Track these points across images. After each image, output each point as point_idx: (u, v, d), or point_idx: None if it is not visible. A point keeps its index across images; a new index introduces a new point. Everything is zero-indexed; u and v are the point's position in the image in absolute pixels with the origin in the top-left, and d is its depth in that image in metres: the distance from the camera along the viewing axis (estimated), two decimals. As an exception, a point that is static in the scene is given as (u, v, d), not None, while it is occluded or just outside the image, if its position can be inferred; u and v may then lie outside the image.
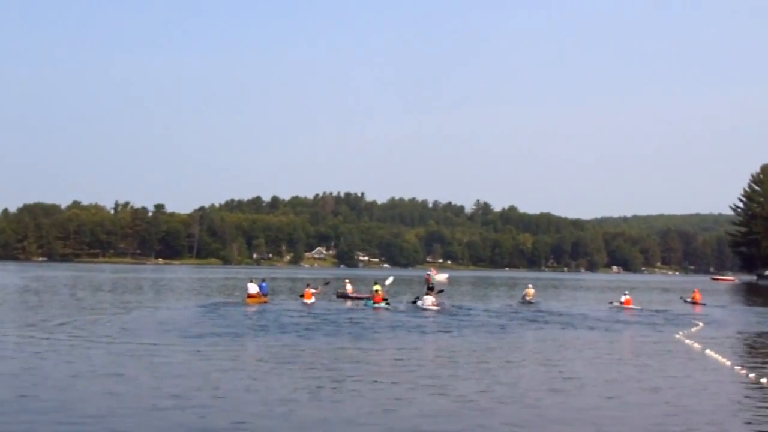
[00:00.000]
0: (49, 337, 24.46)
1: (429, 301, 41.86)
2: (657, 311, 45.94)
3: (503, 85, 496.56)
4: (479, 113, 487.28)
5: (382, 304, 42.06)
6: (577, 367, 20.25)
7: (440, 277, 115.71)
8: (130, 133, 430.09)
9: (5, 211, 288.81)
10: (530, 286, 56.03)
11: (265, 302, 43.61)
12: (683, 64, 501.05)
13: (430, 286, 49.83)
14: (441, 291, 48.41)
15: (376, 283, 46.20)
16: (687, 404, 15.50)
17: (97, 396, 15.02)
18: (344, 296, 50.67)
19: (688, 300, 58.30)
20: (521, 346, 25.29)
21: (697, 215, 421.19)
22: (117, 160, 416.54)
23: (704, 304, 55.14)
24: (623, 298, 48.91)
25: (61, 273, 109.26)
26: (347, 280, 54.42)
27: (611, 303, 50.39)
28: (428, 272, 61.82)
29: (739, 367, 20.29)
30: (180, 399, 14.79)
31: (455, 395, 15.76)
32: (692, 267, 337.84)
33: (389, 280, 51.05)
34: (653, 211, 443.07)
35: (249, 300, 43.08)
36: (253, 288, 44.20)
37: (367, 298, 44.86)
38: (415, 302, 43.58)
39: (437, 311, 40.19)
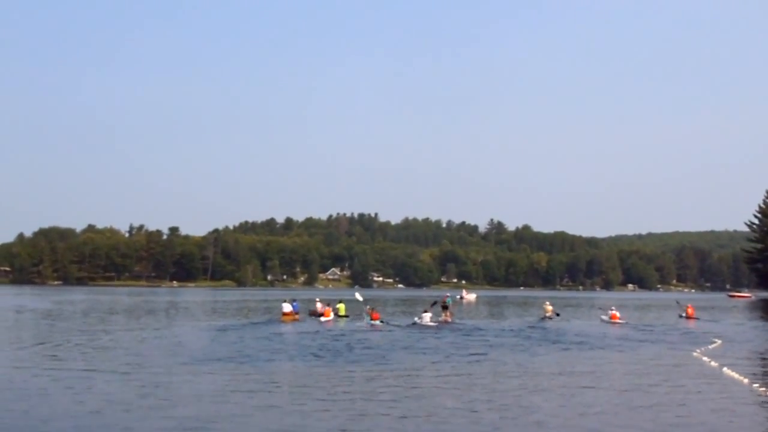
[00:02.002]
0: (61, 365, 24.56)
1: (427, 317, 44.06)
2: (672, 328, 45.87)
3: (516, 104, 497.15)
4: (492, 133, 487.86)
5: (378, 322, 44.63)
6: (596, 388, 20.17)
7: (470, 297, 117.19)
8: (144, 156, 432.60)
9: (21, 235, 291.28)
10: (548, 303, 58.91)
11: (297, 320, 48.00)
12: (698, 81, 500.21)
13: (444, 305, 51.07)
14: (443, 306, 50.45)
15: (340, 302, 51.84)
16: (706, 423, 15.46)
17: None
18: (315, 314, 52.18)
19: (683, 315, 59.79)
20: (541, 367, 24.93)
21: (713, 232, 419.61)
22: (131, 183, 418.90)
23: (698, 319, 57.54)
24: (610, 313, 51.79)
25: (79, 296, 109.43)
26: (318, 299, 56.37)
27: (602, 318, 53.08)
28: (446, 294, 64.37)
29: (758, 385, 20.21)
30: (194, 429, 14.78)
31: (481, 423, 15.70)
32: (708, 284, 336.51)
33: (358, 296, 54.80)
34: (668, 228, 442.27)
35: (284, 318, 47.95)
36: (287, 307, 49.35)
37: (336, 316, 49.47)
38: (417, 319, 45.52)
39: (436, 328, 42.24)
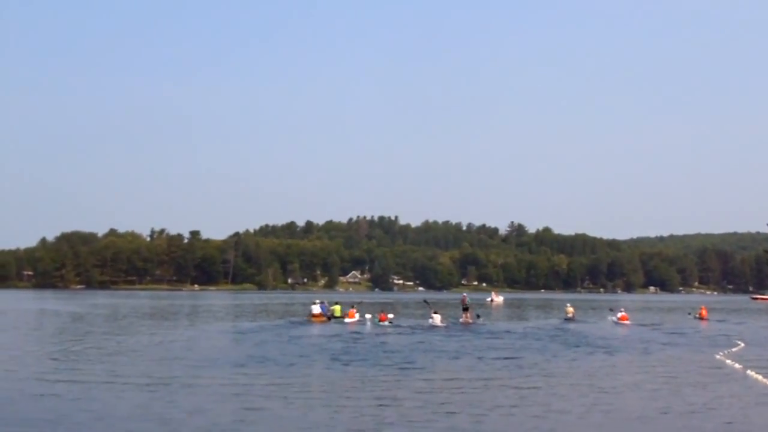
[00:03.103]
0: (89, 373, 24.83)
1: (437, 318, 46.42)
2: (695, 331, 45.86)
3: (536, 107, 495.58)
4: (512, 135, 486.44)
5: (386, 323, 47.30)
6: (623, 394, 20.14)
7: (498, 299, 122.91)
8: (165, 161, 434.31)
9: (44, 239, 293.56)
10: (569, 305, 62.41)
11: (326, 321, 50.30)
12: (718, 81, 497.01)
13: (465, 306, 52.82)
14: (478, 316, 52.05)
15: (336, 303, 55.37)
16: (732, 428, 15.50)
17: None
18: (314, 316, 54.58)
19: (696, 316, 62.52)
20: (569, 371, 24.63)
21: (735, 234, 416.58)
22: (152, 187, 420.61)
23: (709, 320, 60.19)
24: (619, 315, 54.38)
25: (106, 300, 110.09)
26: (317, 301, 57.84)
27: (612, 318, 55.65)
28: (464, 294, 67.34)
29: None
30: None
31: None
32: (731, 286, 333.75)
33: (390, 316, 53.97)
34: (690, 230, 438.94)
35: (314, 319, 50.37)
36: (316, 309, 52.01)
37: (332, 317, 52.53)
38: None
39: (445, 327, 44.72)
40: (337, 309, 54.11)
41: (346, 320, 49.79)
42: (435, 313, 47.85)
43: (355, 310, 51.89)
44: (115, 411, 16.82)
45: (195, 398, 18.36)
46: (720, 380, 22.52)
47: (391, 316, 50.63)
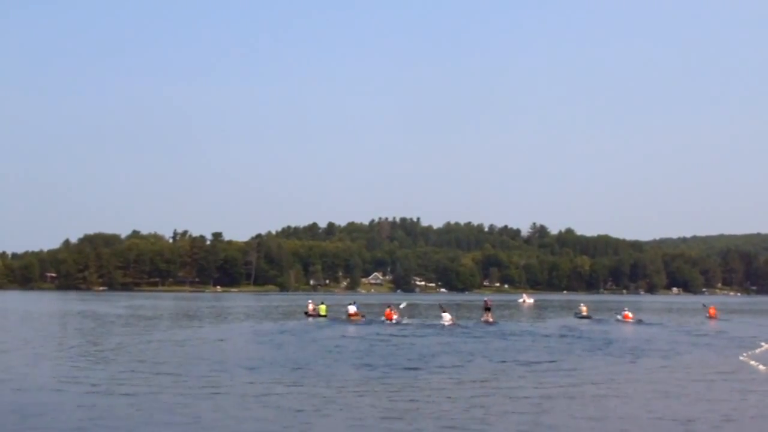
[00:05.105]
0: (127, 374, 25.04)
1: (447, 317, 48.98)
2: (720, 332, 45.71)
3: (558, 108, 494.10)
4: (533, 136, 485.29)
5: (393, 321, 51.29)
6: (647, 399, 20.13)
7: (529, 301, 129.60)
8: (187, 163, 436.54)
9: (67, 241, 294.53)
10: (582, 304, 68.11)
11: (362, 318, 55.16)
12: (740, 83, 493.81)
13: (488, 307, 56.01)
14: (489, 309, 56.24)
15: (322, 303, 60.15)
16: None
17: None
18: (307, 314, 60.38)
19: (706, 315, 66.93)
20: (606, 374, 24.53)
21: (758, 235, 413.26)
22: (175, 190, 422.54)
23: (719, 319, 63.71)
24: (623, 314, 59.24)
25: (137, 302, 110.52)
26: (310, 300, 64.95)
27: (616, 318, 59.90)
28: (486, 297, 70.27)
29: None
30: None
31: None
32: (754, 287, 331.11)
33: (403, 305, 60.48)
34: (713, 231, 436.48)
35: (351, 317, 55.17)
36: (352, 308, 56.93)
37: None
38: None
39: (453, 326, 46.90)
40: (322, 308, 59.05)
41: (383, 318, 52.74)
42: (444, 312, 50.31)
43: (390, 311, 53.94)
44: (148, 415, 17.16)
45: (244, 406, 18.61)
46: (745, 382, 22.45)
47: (396, 316, 53.19)
